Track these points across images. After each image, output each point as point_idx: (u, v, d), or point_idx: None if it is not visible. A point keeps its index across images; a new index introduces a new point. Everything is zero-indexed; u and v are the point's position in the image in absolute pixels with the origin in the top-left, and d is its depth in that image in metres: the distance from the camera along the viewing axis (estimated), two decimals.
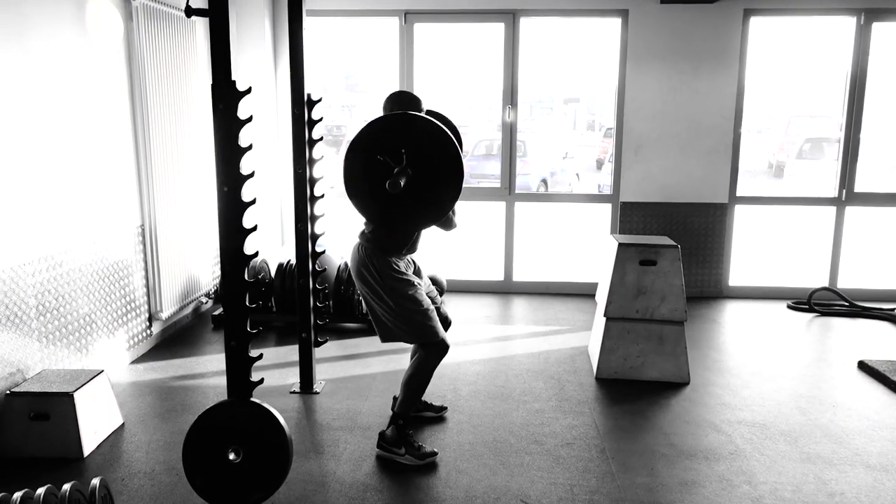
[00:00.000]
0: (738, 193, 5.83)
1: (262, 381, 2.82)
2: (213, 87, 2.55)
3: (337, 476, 2.98)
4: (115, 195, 4.07)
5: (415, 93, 3.11)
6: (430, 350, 3.09)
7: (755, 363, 4.40)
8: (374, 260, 3.03)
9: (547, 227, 9.53)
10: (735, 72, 5.58)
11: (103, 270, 3.94)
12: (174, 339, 4.70)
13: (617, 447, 3.26)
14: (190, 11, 2.53)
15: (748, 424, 3.52)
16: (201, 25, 5.05)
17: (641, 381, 4.05)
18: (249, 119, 2.60)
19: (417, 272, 3.26)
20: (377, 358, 4.41)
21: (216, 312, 5.01)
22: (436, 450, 3.14)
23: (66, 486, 1.95)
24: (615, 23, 5.65)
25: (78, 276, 3.69)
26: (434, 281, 5.55)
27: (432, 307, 3.12)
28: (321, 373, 4.10)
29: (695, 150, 5.72)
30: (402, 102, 3.02)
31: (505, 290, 6.04)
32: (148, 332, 4.50)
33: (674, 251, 4.01)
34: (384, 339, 3.14)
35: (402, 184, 2.60)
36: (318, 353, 3.97)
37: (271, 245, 5.76)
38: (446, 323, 3.41)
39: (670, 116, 5.68)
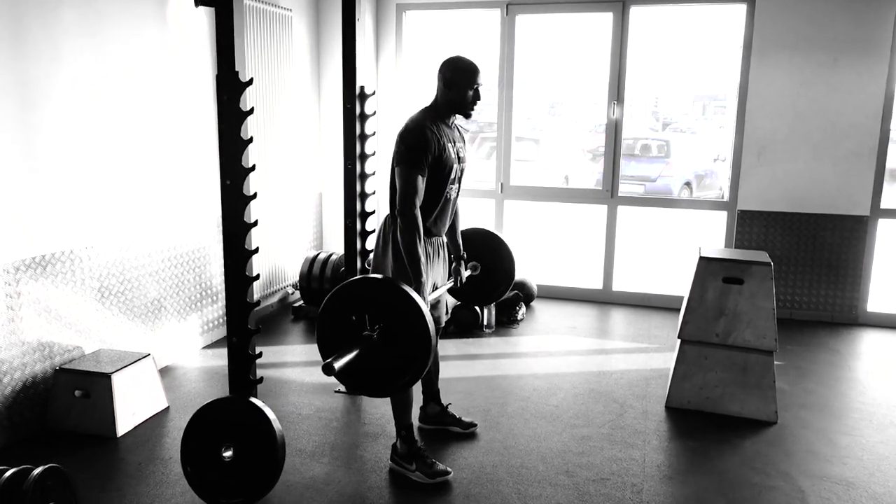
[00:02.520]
0: (884, 205, 4.97)
1: (261, 379, 2.77)
2: (218, 77, 2.52)
3: (340, 485, 2.86)
4: (197, 187, 4.23)
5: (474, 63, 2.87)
6: None
7: (869, 406, 3.71)
8: (393, 234, 2.85)
9: (653, 235, 8.83)
10: (885, 65, 4.76)
11: (177, 257, 4.11)
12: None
13: (657, 490, 2.85)
14: (199, 1, 2.50)
15: (832, 481, 2.94)
16: (298, 20, 5.16)
17: (718, 414, 3.55)
18: (251, 111, 2.55)
19: (442, 256, 3.05)
20: (441, 362, 4.24)
21: (298, 303, 5.10)
22: (449, 469, 2.92)
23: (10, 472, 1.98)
24: (739, 9, 5.03)
25: (147, 262, 3.87)
26: (522, 286, 5.30)
27: (425, 280, 2.87)
28: None
29: (830, 153, 4.96)
30: (463, 69, 2.82)
31: (602, 299, 5.62)
32: (224, 319, 4.65)
33: (764, 269, 3.46)
34: None
35: (336, 367, 2.33)
36: None
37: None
38: (436, 325, 3.13)
39: (801, 114, 4.96)
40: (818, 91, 4.91)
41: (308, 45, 5.43)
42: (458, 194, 3.01)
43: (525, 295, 5.40)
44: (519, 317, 5.05)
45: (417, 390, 3.18)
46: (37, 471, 1.98)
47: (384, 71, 5.76)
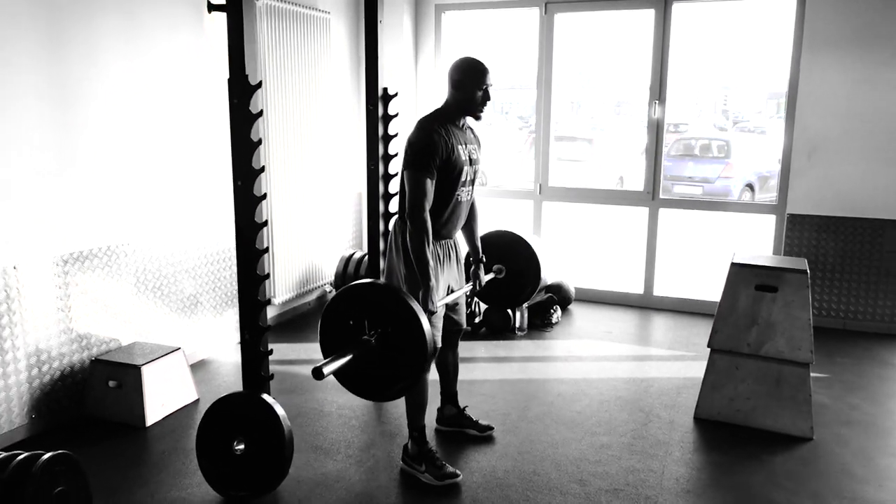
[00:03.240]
0: None
1: (272, 375, 2.82)
2: (229, 81, 2.58)
3: (350, 482, 2.88)
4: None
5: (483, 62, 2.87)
6: None
7: None
8: (403, 238, 2.84)
9: (699, 239, 8.53)
10: None
11: (213, 255, 4.23)
12: (289, 325, 4.93)
13: None
14: (211, 7, 2.57)
15: (864, 503, 2.78)
16: (336, 22, 5.22)
17: (749, 428, 3.41)
18: (259, 114, 2.59)
19: (455, 258, 3.04)
20: (468, 363, 4.22)
21: None
22: (459, 472, 2.90)
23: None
24: (789, 4, 4.81)
25: (183, 258, 4.00)
26: (558, 289, 5.22)
27: (439, 311, 2.86)
28: None
29: (886, 154, 4.69)
30: (470, 70, 2.80)
31: (643, 304, 5.48)
32: None
33: (800, 277, 3.30)
34: None
35: (325, 372, 2.33)
36: None
37: None
38: (454, 329, 3.12)
39: (855, 113, 4.71)
40: (876, 89, 4.65)
41: (347, 47, 5.50)
42: (470, 196, 2.98)
43: (561, 298, 5.32)
44: (553, 320, 4.98)
45: (434, 393, 3.18)
46: (46, 456, 2.07)
47: (423, 71, 5.77)
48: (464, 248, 3.22)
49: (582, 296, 5.60)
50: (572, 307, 5.43)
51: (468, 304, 4.83)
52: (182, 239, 3.99)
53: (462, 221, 2.99)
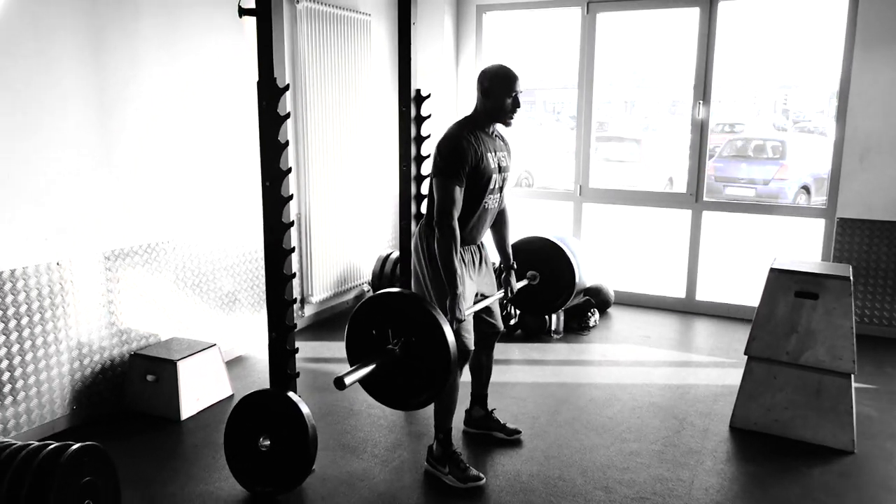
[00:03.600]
0: None
1: (298, 374, 2.86)
2: (258, 84, 2.62)
3: (374, 482, 2.90)
4: None
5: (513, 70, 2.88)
6: None
7: None
8: (427, 244, 2.86)
9: (744, 242, 8.26)
10: None
11: (251, 253, 4.32)
12: (326, 323, 4.99)
13: None
14: (242, 12, 2.62)
15: None
16: (377, 25, 5.26)
17: (787, 439, 3.30)
18: (287, 116, 2.63)
19: (482, 261, 3.02)
20: (502, 366, 4.20)
21: None
22: (482, 475, 2.89)
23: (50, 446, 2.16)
24: (840, 1, 4.63)
25: (222, 256, 4.10)
26: (597, 292, 5.15)
27: (468, 314, 2.84)
28: None
29: None
30: (499, 77, 2.80)
31: (685, 308, 5.36)
32: (299, 313, 4.84)
33: (842, 284, 3.18)
34: None
35: (346, 382, 2.34)
36: None
37: None
38: (491, 331, 3.11)
39: None
40: None
41: (389, 49, 5.53)
42: (498, 204, 2.97)
43: (600, 301, 5.25)
44: (591, 323, 4.91)
45: (464, 396, 3.18)
46: (74, 447, 2.15)
47: (464, 72, 5.77)
48: (493, 254, 3.21)
49: (622, 299, 5.51)
50: (611, 311, 5.35)
51: (503, 307, 4.81)
52: (220, 237, 4.08)
53: (487, 228, 2.98)
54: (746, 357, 3.42)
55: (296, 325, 2.83)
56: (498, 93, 2.77)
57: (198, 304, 3.98)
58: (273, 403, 2.75)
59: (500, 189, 2.93)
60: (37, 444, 2.18)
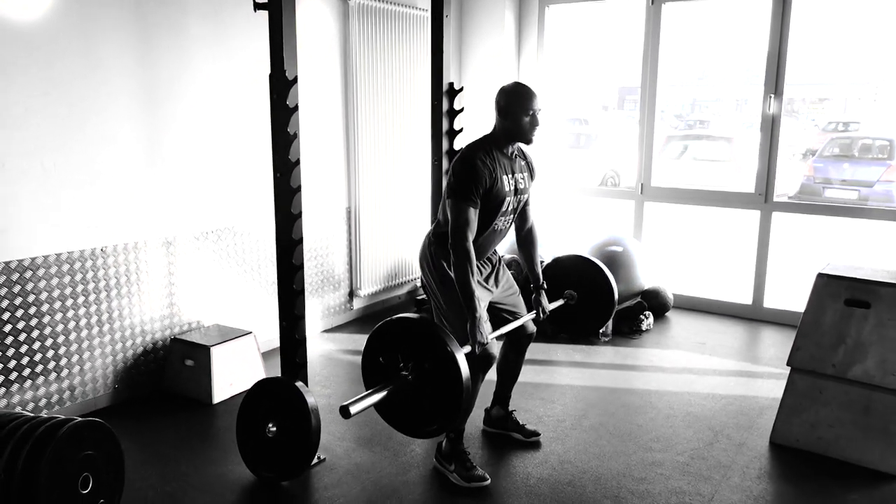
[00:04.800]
0: None
1: (304, 363, 2.90)
2: (270, 77, 2.68)
3: (380, 474, 2.91)
4: (320, 180, 4.52)
5: (529, 85, 2.82)
6: (473, 362, 2.79)
7: None
8: (436, 250, 2.83)
9: (818, 247, 7.62)
10: None
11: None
12: (377, 317, 5.04)
13: None
14: (257, 6, 2.68)
15: None
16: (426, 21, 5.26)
17: (830, 459, 3.03)
18: (295, 108, 2.67)
19: (495, 273, 2.95)
20: (540, 366, 4.11)
21: (421, 297, 5.23)
22: (487, 476, 2.83)
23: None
24: None
25: (266, 247, 4.22)
26: (655, 294, 4.94)
27: (484, 315, 2.78)
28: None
29: None
30: (515, 96, 2.74)
31: (751, 316, 5.03)
32: (348, 306, 4.93)
33: None
34: None
35: (351, 412, 2.26)
36: None
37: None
38: (521, 334, 3.02)
39: None
40: None
41: (451, 44, 5.52)
42: (509, 225, 2.90)
43: (658, 304, 5.03)
44: (643, 327, 4.71)
45: (483, 396, 3.13)
46: (75, 422, 2.27)
47: (525, 69, 5.68)
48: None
49: (683, 303, 5.25)
50: (670, 315, 5.12)
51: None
52: (266, 229, 4.20)
53: (495, 246, 2.91)
54: (789, 368, 3.17)
55: (303, 314, 2.86)
56: (515, 111, 2.70)
57: (244, 292, 4.12)
58: (281, 391, 2.81)
59: (514, 211, 2.87)
60: (44, 417, 2.32)
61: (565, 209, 6.15)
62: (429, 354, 2.40)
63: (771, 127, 4.77)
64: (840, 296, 3.02)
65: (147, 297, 3.61)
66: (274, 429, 2.79)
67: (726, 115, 13.43)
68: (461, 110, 3.60)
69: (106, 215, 3.39)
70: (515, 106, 2.70)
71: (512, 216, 2.86)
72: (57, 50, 3.12)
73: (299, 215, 2.76)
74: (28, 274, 3.12)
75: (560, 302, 3.31)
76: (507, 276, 3.03)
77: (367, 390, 2.43)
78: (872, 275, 3.04)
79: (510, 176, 2.77)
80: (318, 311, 4.69)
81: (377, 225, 4.93)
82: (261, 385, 2.88)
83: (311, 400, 2.75)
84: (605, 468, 2.96)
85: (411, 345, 2.44)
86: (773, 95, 4.72)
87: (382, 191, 4.92)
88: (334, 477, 2.89)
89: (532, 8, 5.57)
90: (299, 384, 2.80)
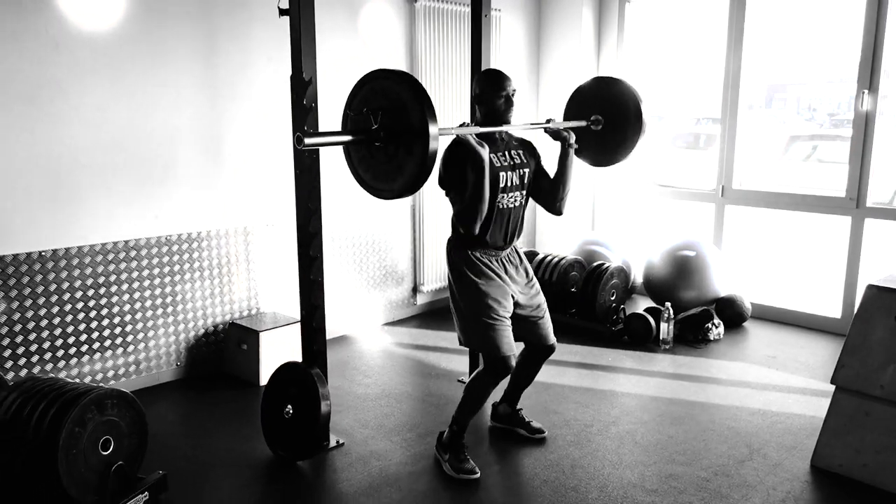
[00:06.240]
0: None
1: (322, 350, 3.04)
2: (291, 78, 2.84)
3: (389, 463, 2.99)
4: None
5: (503, 71, 2.87)
6: (488, 365, 2.81)
7: None
8: (453, 252, 2.88)
9: None
10: None
11: (357, 238, 4.62)
12: (438, 313, 5.13)
13: None
14: (282, 12, 2.85)
15: None
16: (511, 19, 5.28)
17: (873, 488, 2.76)
18: (311, 109, 2.81)
19: (517, 269, 2.94)
20: (585, 369, 4.03)
21: None
22: (477, 471, 2.85)
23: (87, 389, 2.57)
24: None
25: (328, 241, 4.42)
26: (730, 303, 4.68)
27: (502, 320, 2.79)
28: None
29: None
30: (486, 81, 2.84)
31: (839, 330, 4.61)
32: (411, 301, 5.05)
33: None
34: (460, 342, 2.96)
35: (306, 142, 2.26)
36: None
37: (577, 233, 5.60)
38: (540, 344, 3.00)
39: None
40: None
41: (524, 42, 5.52)
42: (520, 204, 2.89)
43: (734, 314, 4.76)
44: (711, 337, 4.47)
45: (496, 395, 3.14)
46: (102, 390, 2.53)
47: (605, 67, 5.54)
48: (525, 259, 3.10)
49: (763, 314, 4.93)
50: (747, 325, 4.81)
51: (615, 311, 4.59)
52: (330, 223, 4.40)
53: (513, 232, 2.90)
54: (834, 387, 2.92)
55: (320, 304, 2.99)
56: (489, 95, 2.79)
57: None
58: (298, 376, 2.97)
59: (519, 187, 2.86)
60: (79, 384, 2.61)
61: (643, 211, 5.95)
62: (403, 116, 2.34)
63: (864, 125, 4.37)
64: (891, 310, 2.75)
65: (208, 282, 3.92)
66: (291, 411, 2.96)
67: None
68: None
69: (171, 207, 3.72)
70: (488, 91, 2.79)
71: (518, 194, 2.86)
72: (129, 54, 3.46)
73: (317, 210, 2.90)
74: (99, 258, 3.50)
75: (582, 123, 3.17)
76: (528, 274, 3.00)
77: None
78: None
79: (500, 154, 2.81)
80: (381, 304, 4.85)
81: (441, 223, 5.01)
82: (282, 369, 3.06)
83: (323, 388, 2.89)
84: (617, 476, 2.87)
85: (385, 102, 2.41)
86: (866, 91, 4.32)
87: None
88: (346, 461, 3.00)
89: (612, 4, 5.43)
90: (315, 371, 2.94)
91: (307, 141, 2.21)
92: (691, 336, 4.49)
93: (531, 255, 5.04)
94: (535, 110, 5.70)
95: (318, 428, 2.87)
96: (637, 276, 5.43)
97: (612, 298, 4.66)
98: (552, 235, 5.77)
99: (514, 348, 2.81)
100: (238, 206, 3.99)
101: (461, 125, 2.67)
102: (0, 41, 3.08)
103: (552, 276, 4.80)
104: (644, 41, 5.55)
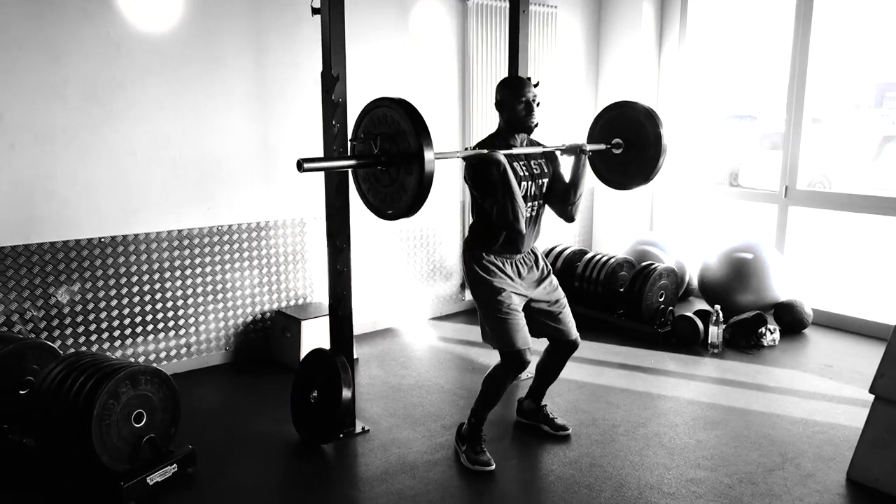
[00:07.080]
0: None
1: (350, 338, 3.14)
2: (322, 74, 2.95)
3: (408, 451, 3.05)
4: (438, 174, 4.70)
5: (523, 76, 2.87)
6: (504, 360, 2.83)
7: None
8: (468, 252, 2.92)
9: None
10: None
11: (408, 232, 4.71)
12: None
13: None
14: (314, 11, 2.96)
15: None
16: (568, 15, 5.24)
17: None
18: (338, 104, 2.90)
19: (532, 270, 2.94)
20: (625, 370, 3.96)
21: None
22: (492, 463, 2.87)
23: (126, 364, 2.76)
24: None
25: (377, 236, 4.54)
26: (789, 309, 4.50)
27: (514, 313, 2.80)
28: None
29: None
30: (506, 88, 2.87)
31: None
32: (459, 296, 5.10)
33: None
34: (483, 339, 2.99)
35: (305, 167, 2.30)
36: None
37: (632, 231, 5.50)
38: (562, 339, 2.98)
39: None
40: None
41: (582, 39, 5.46)
42: (537, 213, 2.91)
43: (793, 320, 4.55)
44: (764, 342, 4.29)
45: (510, 393, 3.15)
46: (133, 367, 2.72)
47: (666, 64, 5.41)
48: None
49: (825, 321, 4.69)
50: (807, 332, 4.59)
51: (663, 312, 4.49)
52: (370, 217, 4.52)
53: (530, 239, 2.91)
54: (873, 396, 2.76)
55: (345, 293, 3.09)
56: (509, 101, 2.80)
57: (357, 275, 4.47)
58: (324, 363, 3.07)
59: (537, 198, 2.88)
60: (124, 361, 2.81)
61: (706, 212, 5.76)
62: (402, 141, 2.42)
63: None
64: None
65: (258, 272, 4.10)
66: (316, 395, 3.07)
67: None
68: (538, 104, 3.59)
69: (222, 199, 3.92)
70: (508, 96, 2.80)
71: (536, 203, 2.88)
72: (185, 55, 3.68)
73: (344, 203, 2.99)
74: (154, 245, 3.73)
75: (602, 146, 3.16)
76: (544, 272, 3.00)
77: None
78: None
79: (522, 162, 2.83)
80: (428, 298, 4.93)
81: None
82: (311, 355, 3.18)
83: (346, 375, 2.98)
84: (634, 477, 2.82)
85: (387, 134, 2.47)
86: None
87: None
88: (368, 447, 3.09)
89: (675, 0, 5.29)
90: (340, 358, 3.04)
91: (306, 166, 2.29)
92: (743, 341, 4.32)
93: (580, 254, 4.99)
94: (594, 107, 5.62)
95: (339, 413, 2.97)
96: (693, 278, 5.27)
97: (661, 299, 4.55)
98: (608, 235, 5.69)
99: (529, 342, 2.81)
100: (292, 200, 4.16)
101: (464, 149, 2.73)
102: (66, 45, 3.34)
103: (599, 275, 4.73)
104: (709, 36, 5.37)
